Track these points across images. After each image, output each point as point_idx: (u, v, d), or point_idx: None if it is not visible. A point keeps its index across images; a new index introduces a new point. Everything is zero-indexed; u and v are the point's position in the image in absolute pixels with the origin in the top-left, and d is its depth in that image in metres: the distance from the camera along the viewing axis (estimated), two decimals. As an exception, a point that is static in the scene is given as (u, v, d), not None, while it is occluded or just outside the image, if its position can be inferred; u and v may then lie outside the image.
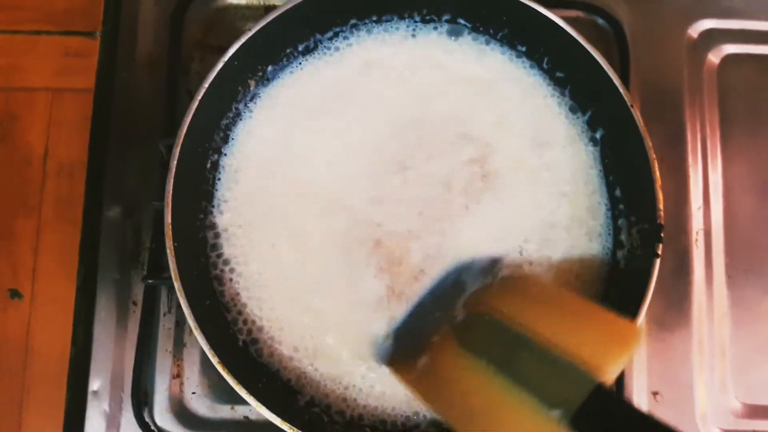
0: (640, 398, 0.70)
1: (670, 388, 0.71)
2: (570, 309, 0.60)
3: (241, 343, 0.65)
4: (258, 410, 0.58)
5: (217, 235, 0.67)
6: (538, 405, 0.53)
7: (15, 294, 0.73)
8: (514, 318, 0.58)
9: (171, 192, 0.61)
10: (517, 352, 0.56)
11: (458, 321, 0.62)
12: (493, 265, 0.65)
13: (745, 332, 0.73)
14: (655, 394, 0.71)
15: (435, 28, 0.72)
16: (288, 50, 0.71)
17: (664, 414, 0.70)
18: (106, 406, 0.69)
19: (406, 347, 0.63)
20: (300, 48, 0.71)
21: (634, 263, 0.65)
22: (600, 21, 0.78)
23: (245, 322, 0.66)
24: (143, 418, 0.67)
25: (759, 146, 0.77)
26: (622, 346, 0.55)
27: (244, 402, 0.67)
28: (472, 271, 0.65)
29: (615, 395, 0.56)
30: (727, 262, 0.74)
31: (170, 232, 0.60)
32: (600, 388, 0.52)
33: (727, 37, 0.79)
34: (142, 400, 0.68)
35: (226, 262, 0.67)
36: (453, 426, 0.57)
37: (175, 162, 0.62)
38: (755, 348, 0.72)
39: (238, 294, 0.66)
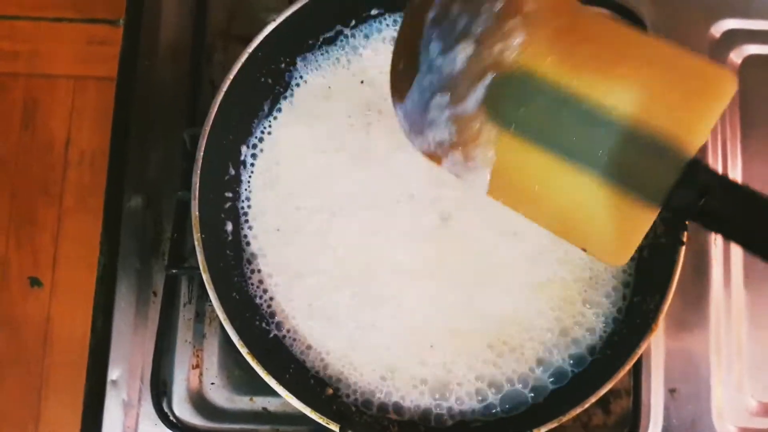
0: (657, 395, 0.71)
1: (687, 385, 0.71)
2: (624, 46, 0.45)
3: (271, 335, 0.65)
4: (288, 400, 0.58)
5: (243, 227, 0.67)
6: (622, 194, 0.44)
7: (35, 282, 0.73)
8: (555, 70, 0.44)
9: (198, 184, 0.61)
10: (575, 124, 0.44)
11: (484, 88, 0.46)
12: None
13: (762, 331, 0.73)
14: (672, 391, 0.71)
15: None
16: (311, 41, 0.70)
17: (680, 411, 0.70)
18: (124, 395, 0.69)
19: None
20: (323, 38, 0.71)
21: (658, 252, 0.65)
22: (623, 20, 0.78)
23: (272, 313, 0.66)
24: (162, 407, 0.67)
25: (779, 147, 0.77)
26: (709, 100, 0.43)
27: (263, 393, 0.68)
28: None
29: (712, 170, 0.44)
30: (745, 261, 0.74)
31: (198, 224, 0.60)
32: (693, 163, 0.42)
33: (750, 38, 0.79)
34: (161, 390, 0.69)
35: (252, 255, 0.67)
36: (547, 228, 0.50)
37: (202, 154, 0.62)
38: (772, 347, 0.73)
39: (264, 285, 0.66)
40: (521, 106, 0.46)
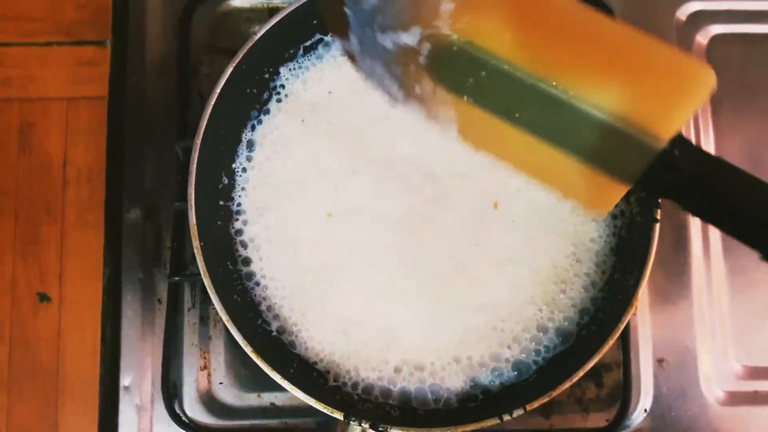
0: (646, 366, 0.73)
1: (675, 355, 0.74)
2: (599, 36, 0.42)
3: (273, 333, 0.68)
4: (293, 393, 0.60)
5: (239, 232, 0.70)
6: (595, 172, 0.43)
7: (44, 298, 0.75)
8: (516, 51, 0.41)
9: (193, 194, 0.63)
10: (543, 109, 0.42)
11: (425, 55, 0.43)
12: None
13: (743, 299, 0.75)
14: (660, 361, 0.74)
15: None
16: (292, 50, 0.72)
17: (669, 379, 0.73)
18: (138, 400, 0.72)
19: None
20: (304, 47, 0.73)
21: (634, 230, 0.68)
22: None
23: (273, 313, 0.68)
24: (174, 409, 0.70)
25: (748, 122, 0.79)
26: (687, 97, 0.41)
27: (270, 389, 0.71)
28: None
29: (690, 145, 0.42)
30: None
31: (196, 233, 0.63)
32: (663, 151, 0.41)
33: (714, 18, 0.81)
34: (171, 393, 0.71)
35: (249, 258, 0.69)
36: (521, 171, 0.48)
37: (195, 167, 0.64)
38: (753, 313, 0.75)
39: (263, 286, 0.69)
40: (469, 77, 0.42)
